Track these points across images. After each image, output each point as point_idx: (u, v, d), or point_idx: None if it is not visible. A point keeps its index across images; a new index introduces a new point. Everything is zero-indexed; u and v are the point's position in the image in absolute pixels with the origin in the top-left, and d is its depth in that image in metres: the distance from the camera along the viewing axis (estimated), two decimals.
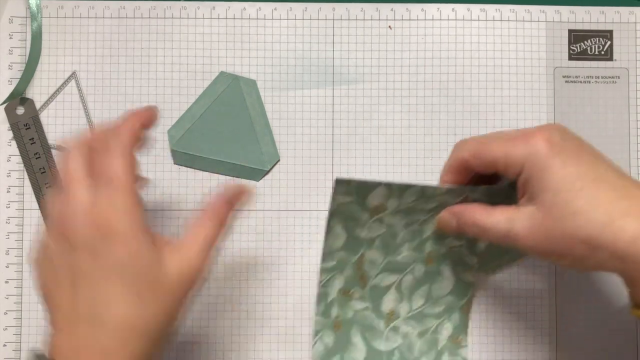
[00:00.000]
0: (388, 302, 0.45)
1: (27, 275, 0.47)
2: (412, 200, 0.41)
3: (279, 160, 0.47)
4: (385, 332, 0.45)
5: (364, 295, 0.44)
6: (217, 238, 0.36)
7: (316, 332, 0.44)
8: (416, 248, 0.44)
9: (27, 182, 0.47)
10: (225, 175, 0.47)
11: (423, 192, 0.41)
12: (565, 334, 0.47)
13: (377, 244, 0.43)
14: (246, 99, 0.47)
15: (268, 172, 0.47)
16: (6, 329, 0.46)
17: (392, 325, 0.45)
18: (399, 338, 0.45)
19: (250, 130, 0.47)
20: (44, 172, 0.47)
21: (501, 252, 0.45)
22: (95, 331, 0.33)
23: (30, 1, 0.47)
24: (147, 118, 0.37)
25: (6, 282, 0.47)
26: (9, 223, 0.47)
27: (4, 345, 0.46)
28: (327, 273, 0.44)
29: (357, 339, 0.45)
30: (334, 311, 0.44)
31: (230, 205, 0.37)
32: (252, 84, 0.47)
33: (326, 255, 0.43)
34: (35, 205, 0.47)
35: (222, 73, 0.47)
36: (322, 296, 0.44)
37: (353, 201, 0.41)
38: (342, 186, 0.40)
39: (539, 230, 0.34)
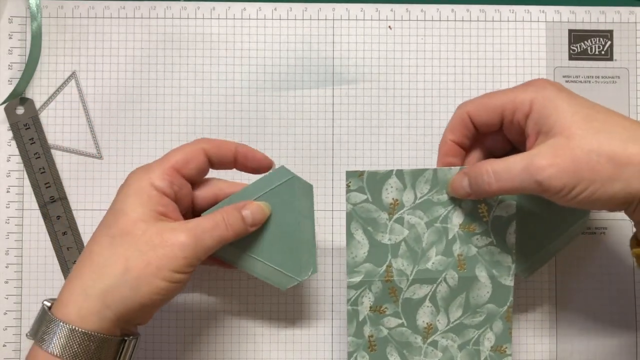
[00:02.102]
0: (424, 316, 0.42)
1: (26, 275, 0.47)
2: (427, 190, 0.41)
3: (315, 273, 0.42)
4: (424, 348, 0.43)
5: (397, 311, 0.42)
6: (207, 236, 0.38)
7: (350, 354, 0.43)
8: (445, 252, 0.42)
9: (27, 182, 0.47)
10: (252, 273, 0.42)
11: (435, 176, 0.41)
12: (565, 332, 0.47)
13: (403, 249, 0.42)
14: (298, 201, 0.41)
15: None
16: (6, 329, 0.46)
17: (430, 339, 0.43)
18: (439, 352, 0.43)
19: (293, 235, 0.41)
20: (44, 172, 0.47)
21: (535, 242, 0.44)
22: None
23: (30, 1, 0.47)
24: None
25: (6, 282, 0.47)
26: (8, 223, 0.47)
27: (4, 346, 0.46)
28: (354, 290, 0.42)
29: (394, 358, 0.43)
30: (367, 330, 0.42)
31: (239, 213, 0.39)
32: (308, 187, 0.42)
33: (351, 268, 0.42)
34: (35, 205, 0.47)
35: (282, 167, 0.41)
36: (352, 315, 0.42)
37: (368, 199, 0.41)
38: (354, 181, 0.40)
39: (564, 154, 0.34)
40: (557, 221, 0.44)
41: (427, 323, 0.43)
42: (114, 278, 0.35)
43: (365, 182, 0.41)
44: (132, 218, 0.36)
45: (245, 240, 0.40)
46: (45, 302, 0.37)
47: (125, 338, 0.37)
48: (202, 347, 0.47)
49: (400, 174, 0.41)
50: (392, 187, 0.41)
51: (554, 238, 0.44)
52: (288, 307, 0.47)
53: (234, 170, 0.42)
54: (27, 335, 0.36)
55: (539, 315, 0.47)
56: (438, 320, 0.43)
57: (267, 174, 0.41)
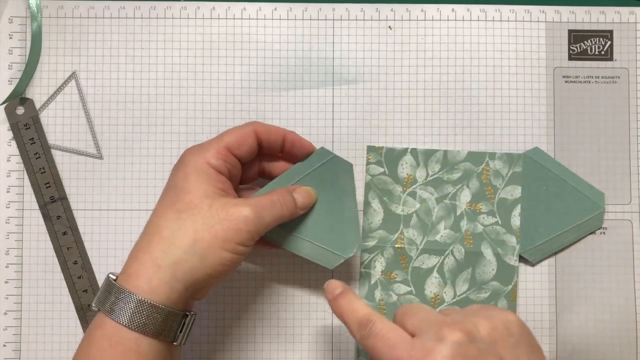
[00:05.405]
0: (431, 286, 0.46)
1: (26, 275, 0.47)
2: (438, 169, 0.46)
3: (361, 250, 0.44)
4: None
5: (406, 279, 0.46)
6: (267, 212, 0.39)
7: None
8: (453, 226, 0.46)
9: (27, 182, 0.47)
10: (299, 253, 0.43)
11: (445, 157, 0.46)
12: (565, 332, 0.47)
13: (414, 221, 0.46)
14: (339, 180, 0.43)
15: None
16: (6, 329, 0.46)
17: (437, 310, 0.45)
18: None
19: (337, 213, 0.43)
20: (44, 172, 0.47)
21: (544, 227, 0.46)
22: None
23: (30, 1, 0.47)
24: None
25: (6, 282, 0.47)
26: (8, 223, 0.47)
27: (4, 346, 0.46)
28: (368, 253, 0.46)
29: None
30: (378, 294, 0.46)
31: (291, 195, 0.41)
32: (348, 166, 0.44)
33: (366, 233, 0.46)
34: (35, 205, 0.47)
35: (322, 148, 0.43)
36: (364, 278, 0.46)
37: (385, 172, 0.46)
38: (374, 155, 0.46)
39: None
40: (566, 210, 0.46)
41: (434, 293, 0.46)
42: (184, 249, 0.36)
43: (384, 157, 0.46)
44: (197, 194, 0.38)
45: (292, 221, 0.42)
46: (111, 275, 0.37)
47: (187, 313, 0.38)
48: (201, 347, 0.47)
49: (414, 152, 0.47)
50: (407, 163, 0.46)
51: (563, 227, 0.46)
52: (288, 307, 0.47)
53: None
54: (92, 305, 0.37)
55: (539, 315, 0.47)
56: (445, 292, 0.46)
57: (308, 157, 0.43)
